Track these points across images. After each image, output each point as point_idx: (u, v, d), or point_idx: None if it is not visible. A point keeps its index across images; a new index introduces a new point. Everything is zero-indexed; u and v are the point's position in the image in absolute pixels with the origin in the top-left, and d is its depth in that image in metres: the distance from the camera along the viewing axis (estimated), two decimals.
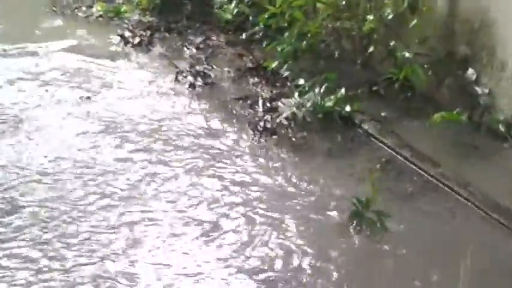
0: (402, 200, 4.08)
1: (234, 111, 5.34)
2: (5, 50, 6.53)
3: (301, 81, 5.37)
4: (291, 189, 4.22)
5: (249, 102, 5.48)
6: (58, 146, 4.66)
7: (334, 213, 3.93)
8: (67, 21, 7.66)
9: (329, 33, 5.87)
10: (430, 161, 4.40)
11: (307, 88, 5.21)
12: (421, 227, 3.82)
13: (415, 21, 5.29)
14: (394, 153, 4.59)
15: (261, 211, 3.95)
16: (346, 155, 4.67)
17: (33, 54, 6.45)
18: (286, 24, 5.86)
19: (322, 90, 5.15)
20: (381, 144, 4.74)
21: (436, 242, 3.69)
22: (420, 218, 3.91)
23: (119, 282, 3.27)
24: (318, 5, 5.96)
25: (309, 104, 5.08)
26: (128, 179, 4.25)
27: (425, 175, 4.31)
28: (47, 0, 8.39)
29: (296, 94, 5.22)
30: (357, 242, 3.69)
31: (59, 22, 7.66)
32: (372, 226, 3.73)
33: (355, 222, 3.77)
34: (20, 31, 7.25)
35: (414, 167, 4.41)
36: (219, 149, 4.72)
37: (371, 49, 5.66)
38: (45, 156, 4.49)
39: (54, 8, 8.02)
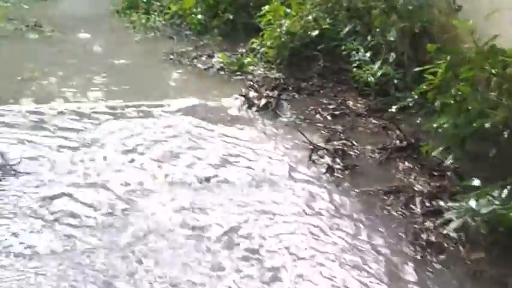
0: None
1: (385, 211, 4.27)
2: (114, 109, 5.75)
3: (476, 182, 4.20)
4: None
5: (401, 198, 4.40)
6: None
7: None
8: (185, 74, 6.93)
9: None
10: None
11: (483, 191, 4.04)
12: None
13: None
14: None
15: None
16: None
17: (147, 115, 5.65)
18: (451, 101, 4.70)
19: (504, 195, 3.98)
20: None
21: None
22: None
23: None
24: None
25: (485, 211, 3.93)
26: None
27: None
28: (163, 46, 7.75)
29: (471, 198, 4.06)
30: None
31: (176, 74, 6.93)
32: None
33: None
34: (134, 85, 6.54)
35: None
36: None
37: None
38: None
39: (171, 56, 7.29)
